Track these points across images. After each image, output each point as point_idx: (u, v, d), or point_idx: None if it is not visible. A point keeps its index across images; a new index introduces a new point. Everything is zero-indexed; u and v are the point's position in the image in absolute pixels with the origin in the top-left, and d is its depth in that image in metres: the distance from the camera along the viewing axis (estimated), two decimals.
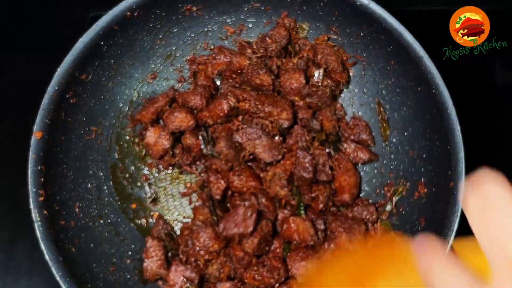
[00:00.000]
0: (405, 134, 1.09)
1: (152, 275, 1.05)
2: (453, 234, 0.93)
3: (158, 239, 1.08)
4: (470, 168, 0.98)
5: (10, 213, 1.27)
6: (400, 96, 1.09)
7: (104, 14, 1.00)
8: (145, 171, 1.17)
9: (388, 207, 1.10)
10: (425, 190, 1.03)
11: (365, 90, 1.15)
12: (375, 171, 1.16)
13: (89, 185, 1.07)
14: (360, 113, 1.17)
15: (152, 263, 1.05)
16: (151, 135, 1.10)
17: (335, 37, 1.12)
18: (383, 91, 1.12)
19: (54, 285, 1.22)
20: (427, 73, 0.98)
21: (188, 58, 1.16)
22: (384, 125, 1.12)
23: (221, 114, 1.08)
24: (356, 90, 1.16)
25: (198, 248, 1.02)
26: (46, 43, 1.38)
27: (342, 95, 1.17)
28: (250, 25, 1.16)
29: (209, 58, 1.13)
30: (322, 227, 1.05)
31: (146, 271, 1.05)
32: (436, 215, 0.97)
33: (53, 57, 1.06)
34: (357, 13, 1.03)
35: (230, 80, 1.14)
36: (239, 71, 1.11)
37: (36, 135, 0.96)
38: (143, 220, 1.15)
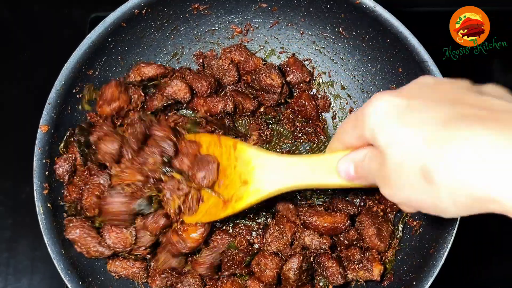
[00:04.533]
0: None
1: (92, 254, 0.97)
2: (453, 235, 0.93)
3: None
4: None
5: (11, 213, 1.27)
6: None
7: (105, 16, 1.01)
8: None
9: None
10: None
11: (369, 93, 1.16)
12: None
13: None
14: None
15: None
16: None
17: (343, 38, 1.12)
18: None
19: (55, 284, 1.22)
20: None
21: (195, 53, 1.17)
22: None
23: (213, 111, 1.10)
24: (358, 94, 1.17)
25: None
26: (47, 44, 1.39)
27: (347, 101, 1.18)
28: (257, 25, 1.16)
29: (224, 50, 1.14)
30: None
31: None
32: (435, 216, 0.98)
33: (54, 58, 1.07)
34: (363, 15, 1.03)
35: (238, 83, 1.15)
36: (252, 71, 1.12)
37: (42, 128, 0.97)
38: None
